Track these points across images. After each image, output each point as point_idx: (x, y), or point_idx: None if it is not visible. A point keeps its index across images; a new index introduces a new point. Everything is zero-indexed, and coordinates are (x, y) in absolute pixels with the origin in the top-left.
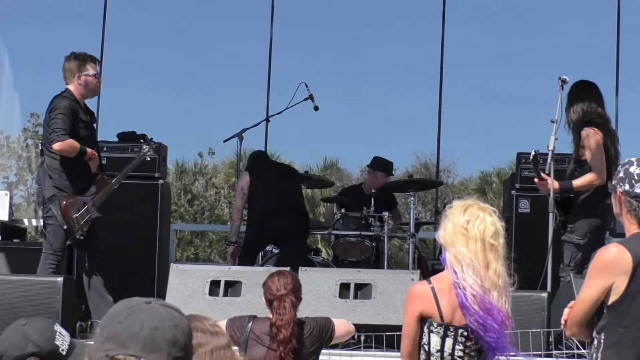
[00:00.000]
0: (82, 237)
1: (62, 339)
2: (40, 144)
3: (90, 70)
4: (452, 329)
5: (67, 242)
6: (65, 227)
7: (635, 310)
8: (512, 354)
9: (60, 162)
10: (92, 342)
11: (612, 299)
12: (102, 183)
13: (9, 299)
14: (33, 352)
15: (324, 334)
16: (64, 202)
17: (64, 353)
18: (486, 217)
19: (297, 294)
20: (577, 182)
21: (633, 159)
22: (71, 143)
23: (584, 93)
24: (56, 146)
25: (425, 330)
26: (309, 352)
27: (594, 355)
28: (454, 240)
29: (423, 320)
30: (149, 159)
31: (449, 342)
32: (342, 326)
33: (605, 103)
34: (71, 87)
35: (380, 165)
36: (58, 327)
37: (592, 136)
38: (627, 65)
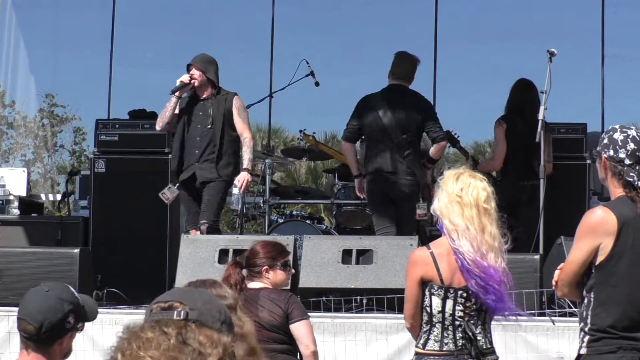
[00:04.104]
0: None
1: (80, 296)
2: (404, 137)
3: None
4: (452, 291)
5: None
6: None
7: (622, 270)
8: (514, 312)
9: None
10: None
11: (600, 259)
12: None
13: (28, 270)
14: (70, 310)
15: (288, 312)
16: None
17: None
18: (477, 183)
19: (242, 265)
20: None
21: (616, 126)
22: (444, 147)
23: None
24: (443, 145)
25: (427, 293)
26: (267, 320)
27: (585, 313)
28: (449, 209)
29: (424, 284)
30: None
31: (449, 303)
32: (307, 332)
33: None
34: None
35: None
36: (70, 287)
37: (495, 127)
38: (611, 37)
